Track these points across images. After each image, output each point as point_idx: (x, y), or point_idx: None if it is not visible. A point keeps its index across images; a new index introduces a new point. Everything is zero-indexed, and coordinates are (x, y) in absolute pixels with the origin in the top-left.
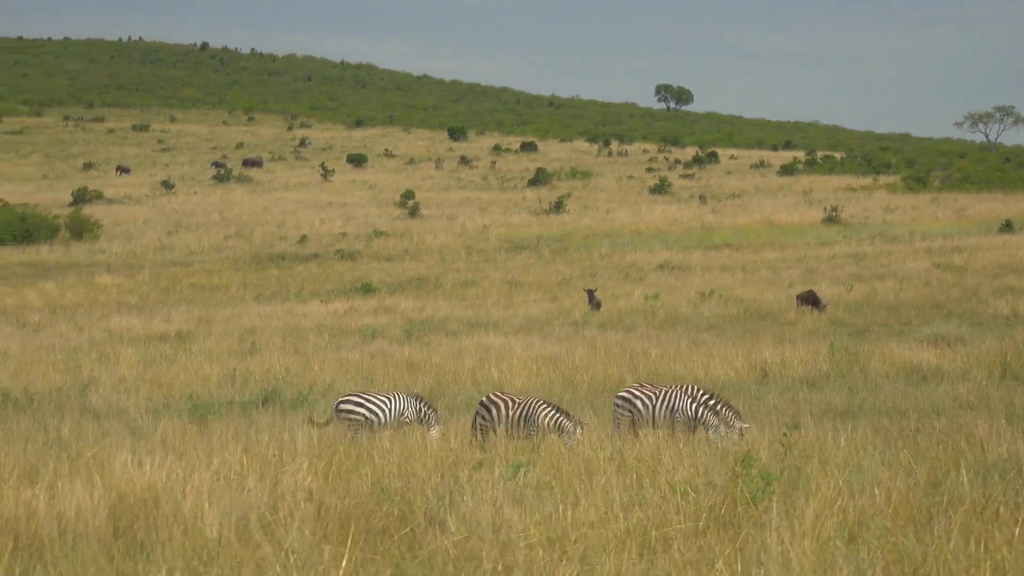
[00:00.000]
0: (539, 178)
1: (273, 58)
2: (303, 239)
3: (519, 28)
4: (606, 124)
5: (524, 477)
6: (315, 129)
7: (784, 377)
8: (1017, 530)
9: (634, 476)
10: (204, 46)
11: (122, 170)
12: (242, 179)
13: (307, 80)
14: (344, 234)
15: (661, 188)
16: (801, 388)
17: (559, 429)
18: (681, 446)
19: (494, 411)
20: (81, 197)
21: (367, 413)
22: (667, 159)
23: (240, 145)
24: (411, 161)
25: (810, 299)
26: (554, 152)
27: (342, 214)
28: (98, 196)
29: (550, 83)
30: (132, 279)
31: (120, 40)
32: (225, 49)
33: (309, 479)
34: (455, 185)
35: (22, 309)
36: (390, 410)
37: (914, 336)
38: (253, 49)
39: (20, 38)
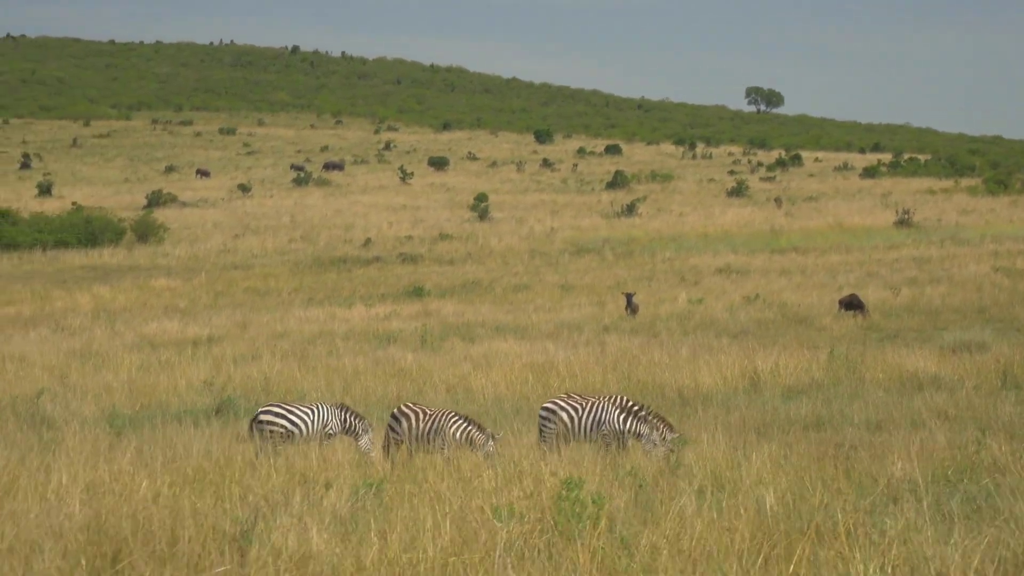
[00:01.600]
0: (617, 181)
1: (363, 61)
2: (367, 242)
3: (611, 31)
4: (694, 127)
5: (366, 499)
6: (402, 132)
7: (775, 386)
8: None
9: (465, 498)
10: (295, 49)
11: (202, 173)
12: (321, 182)
13: (396, 83)
14: (410, 237)
15: (738, 191)
16: (786, 398)
17: (470, 442)
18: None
19: (404, 423)
20: (155, 200)
21: (288, 425)
22: (750, 162)
23: (324, 148)
24: (493, 164)
25: (853, 303)
26: (638, 155)
27: (412, 217)
28: (172, 199)
29: (640, 86)
30: (188, 283)
31: (211, 44)
32: (316, 52)
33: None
34: (533, 188)
35: (69, 312)
36: (313, 421)
37: (936, 342)
38: (343, 52)
39: (112, 42)
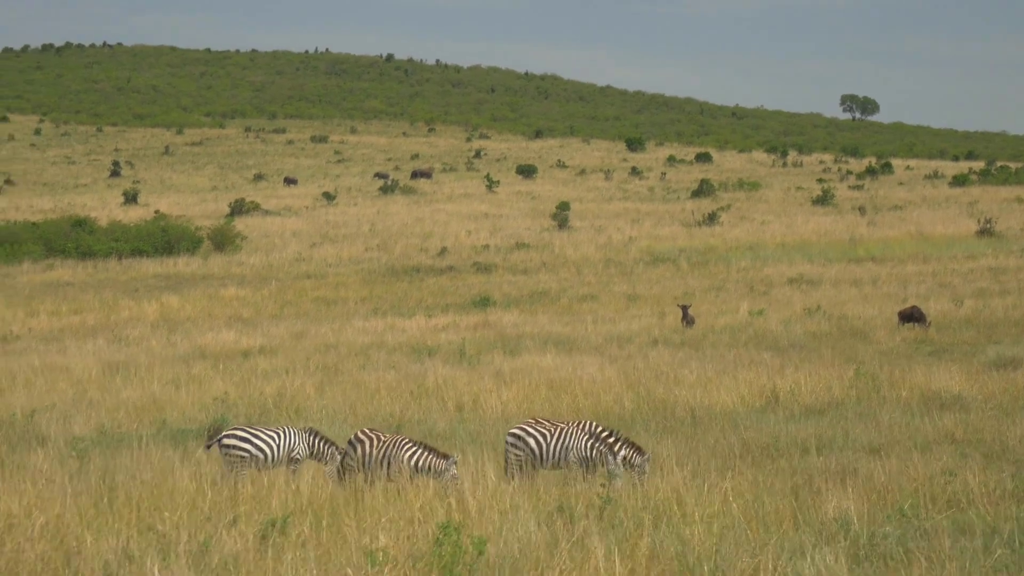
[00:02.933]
0: (703, 189)
1: (457, 69)
2: (443, 251)
3: (707, 38)
4: (788, 135)
5: (271, 535)
6: (493, 140)
7: (793, 405)
8: None
9: (358, 536)
10: (389, 57)
11: (289, 181)
12: (407, 190)
13: (490, 91)
14: (486, 246)
15: (824, 199)
16: (802, 417)
17: (429, 469)
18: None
19: (359, 449)
20: (238, 209)
21: (252, 449)
22: (840, 170)
23: (415, 156)
24: (582, 172)
25: (913, 315)
26: (729, 163)
27: (492, 226)
28: (255, 208)
29: (735, 93)
30: (257, 292)
31: (306, 52)
32: (410, 60)
33: None
34: (618, 196)
35: (133, 322)
36: (279, 446)
37: (980, 358)
38: (438, 60)
39: (207, 50)
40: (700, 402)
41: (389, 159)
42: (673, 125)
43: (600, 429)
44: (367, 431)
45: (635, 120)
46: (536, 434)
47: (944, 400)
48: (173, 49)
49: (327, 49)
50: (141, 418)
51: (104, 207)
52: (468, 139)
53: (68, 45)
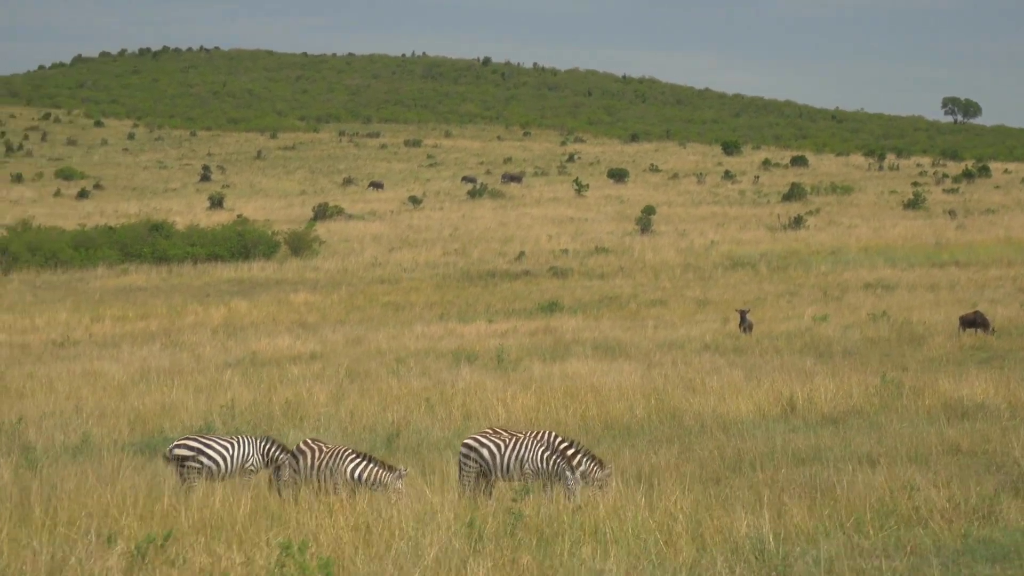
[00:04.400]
0: (793, 193)
1: (554, 72)
2: (520, 256)
3: (806, 41)
4: (887, 138)
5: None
6: (589, 144)
7: (810, 413)
8: None
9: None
10: (486, 61)
11: (375, 186)
12: (495, 194)
13: (587, 94)
14: (566, 251)
15: (915, 203)
16: (815, 426)
17: (374, 482)
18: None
19: (301, 461)
20: (321, 213)
21: (204, 460)
22: (936, 173)
23: (507, 160)
24: (674, 176)
25: (976, 321)
26: (825, 167)
27: (575, 230)
28: (338, 212)
29: (834, 96)
30: (327, 297)
31: (403, 55)
32: (507, 64)
33: None
34: (708, 200)
35: (196, 327)
36: (231, 456)
37: None
38: (535, 63)
39: (304, 54)
40: (714, 410)
41: (481, 163)
42: (771, 128)
43: (559, 441)
44: (310, 441)
45: (733, 123)
46: (490, 444)
47: (966, 409)
48: (270, 53)
49: (424, 53)
50: (143, 426)
51: (189, 211)
52: (563, 143)
53: (165, 49)
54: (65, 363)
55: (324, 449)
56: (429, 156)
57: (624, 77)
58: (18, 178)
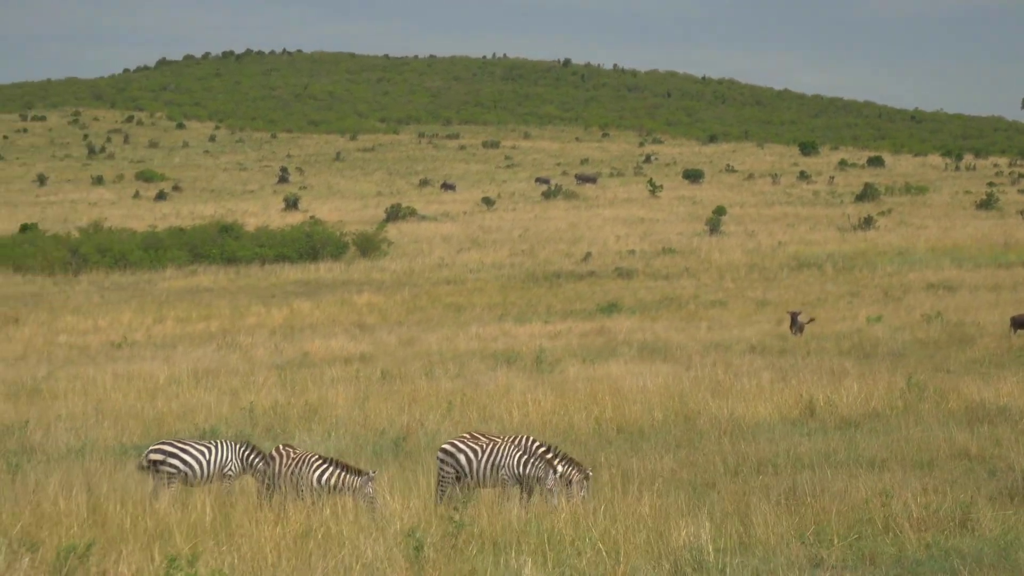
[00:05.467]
0: (866, 193)
1: (634, 74)
2: (586, 257)
3: (887, 41)
4: (966, 138)
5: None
6: (667, 145)
7: (829, 417)
8: None
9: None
10: (566, 62)
11: (447, 187)
12: (569, 195)
13: (666, 96)
14: (632, 252)
15: (988, 203)
16: (832, 430)
17: (342, 487)
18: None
19: (271, 467)
20: (394, 214)
21: (179, 464)
22: (1013, 173)
23: (584, 161)
24: (750, 177)
25: None
26: (901, 167)
27: (644, 231)
28: (411, 213)
29: (915, 97)
30: (390, 298)
31: (484, 57)
32: (587, 65)
33: None
34: (781, 200)
35: (255, 328)
36: (209, 461)
37: None
38: (615, 65)
39: (386, 56)
40: (732, 414)
41: (558, 164)
42: (850, 129)
43: (537, 445)
44: (282, 447)
45: (811, 124)
46: (467, 450)
47: (988, 412)
48: (352, 55)
49: (504, 54)
50: (158, 429)
51: (264, 213)
52: (640, 144)
53: (248, 52)
54: (115, 364)
55: (292, 455)
56: (507, 157)
57: (703, 78)
58: (99, 180)
